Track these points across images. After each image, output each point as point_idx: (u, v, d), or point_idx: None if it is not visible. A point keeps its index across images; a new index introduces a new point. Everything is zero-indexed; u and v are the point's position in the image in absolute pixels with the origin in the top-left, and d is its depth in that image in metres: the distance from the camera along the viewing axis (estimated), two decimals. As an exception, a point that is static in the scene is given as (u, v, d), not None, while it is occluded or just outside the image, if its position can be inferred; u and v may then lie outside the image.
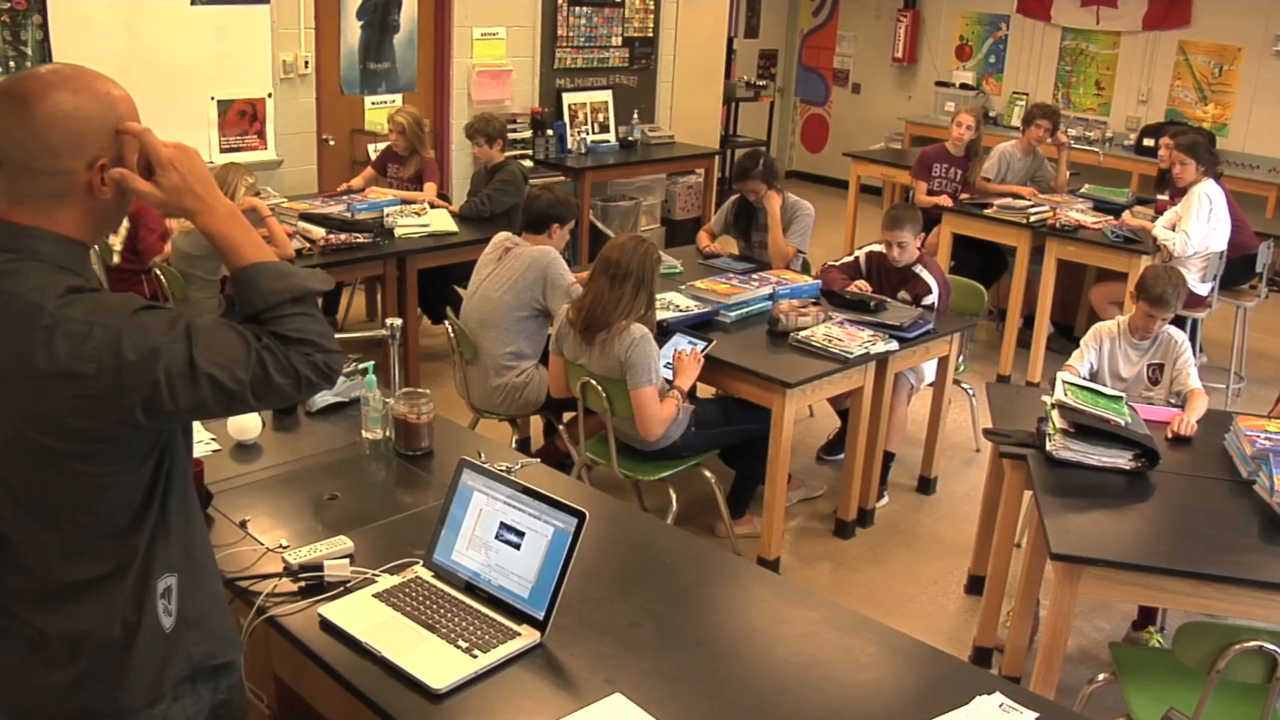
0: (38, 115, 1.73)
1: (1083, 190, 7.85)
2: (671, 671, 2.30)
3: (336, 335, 1.89)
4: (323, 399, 3.50)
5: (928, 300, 5.29)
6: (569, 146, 9.03)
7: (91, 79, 1.80)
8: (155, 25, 6.66)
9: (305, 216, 6.18)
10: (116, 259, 5.85)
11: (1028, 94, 11.17)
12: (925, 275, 5.36)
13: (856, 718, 2.22)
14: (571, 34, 9.13)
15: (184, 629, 1.96)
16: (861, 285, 5.35)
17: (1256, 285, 6.99)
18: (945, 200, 7.55)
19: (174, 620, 1.93)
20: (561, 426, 5.04)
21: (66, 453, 1.77)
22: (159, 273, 5.62)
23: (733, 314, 5.00)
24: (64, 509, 1.82)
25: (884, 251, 5.43)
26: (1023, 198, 7.47)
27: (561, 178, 8.52)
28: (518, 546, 2.43)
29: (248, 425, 3.24)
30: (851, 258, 5.65)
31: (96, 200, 1.81)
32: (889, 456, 5.36)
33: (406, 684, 2.21)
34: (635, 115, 9.61)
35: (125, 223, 5.78)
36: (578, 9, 9.11)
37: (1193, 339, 6.40)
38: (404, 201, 6.65)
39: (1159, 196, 7.37)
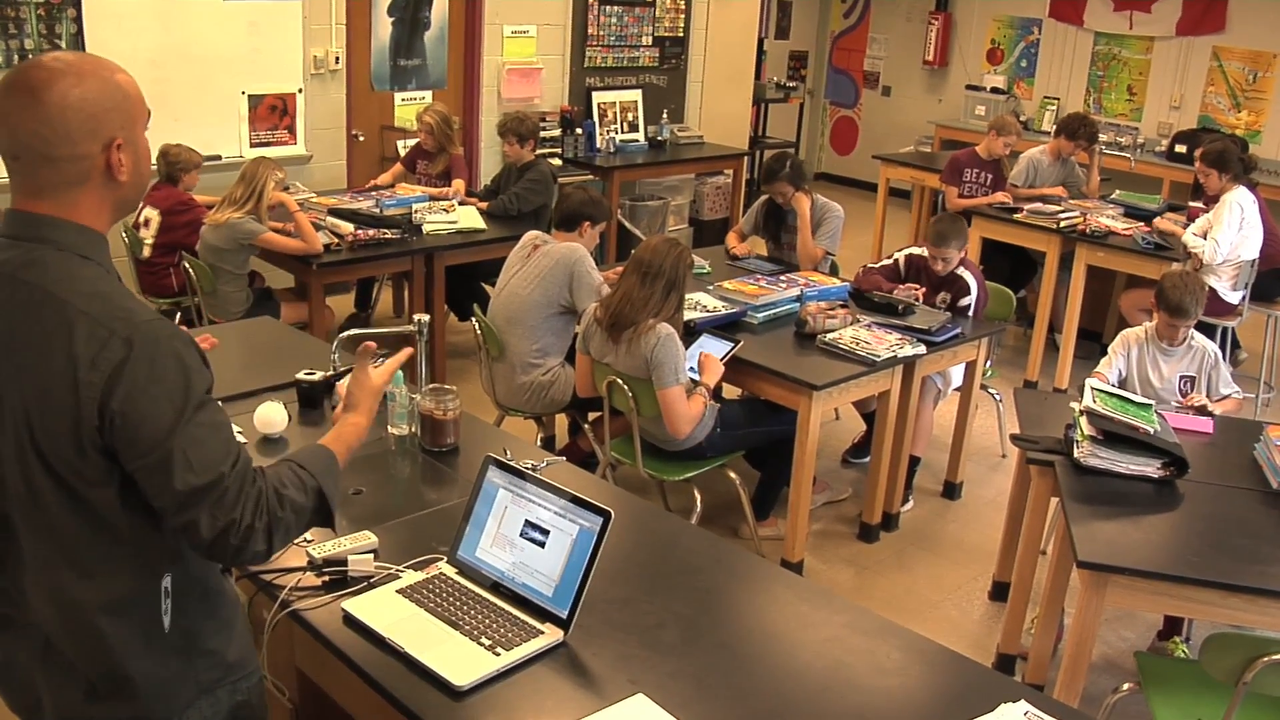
0: (50, 103, 1.73)
1: (1113, 196, 7.79)
2: (695, 673, 2.29)
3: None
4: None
5: (965, 301, 5.27)
6: (598, 145, 9.04)
7: (95, 63, 1.80)
8: (188, 19, 6.70)
9: (334, 212, 6.21)
10: (147, 251, 5.87)
11: (1059, 99, 11.11)
12: (966, 275, 5.34)
13: (880, 723, 2.21)
14: (602, 33, 9.13)
15: (195, 657, 1.96)
16: (912, 289, 5.30)
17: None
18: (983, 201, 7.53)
19: (170, 621, 1.91)
20: (586, 425, 5.04)
21: (63, 462, 1.76)
22: (188, 265, 5.64)
23: (760, 315, 4.98)
24: (62, 520, 1.81)
25: (925, 256, 5.41)
26: (1054, 199, 7.44)
27: (590, 176, 8.52)
28: (542, 545, 2.43)
29: (274, 419, 3.24)
30: (891, 260, 5.62)
31: (115, 183, 1.81)
32: (914, 461, 5.34)
33: (429, 680, 2.20)
34: (664, 115, 9.61)
35: (157, 216, 5.81)
36: (609, 8, 9.11)
37: (1224, 345, 6.35)
38: (432, 198, 6.66)
39: (1192, 203, 7.30)
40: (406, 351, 2.48)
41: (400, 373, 3.37)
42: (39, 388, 1.74)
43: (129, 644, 1.88)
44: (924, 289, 5.33)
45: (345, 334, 3.68)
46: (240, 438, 3.24)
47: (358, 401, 2.27)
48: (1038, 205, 7.31)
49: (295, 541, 2.62)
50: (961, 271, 5.35)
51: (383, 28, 7.80)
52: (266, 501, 1.86)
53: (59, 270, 1.76)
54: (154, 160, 5.44)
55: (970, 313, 5.27)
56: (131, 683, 1.89)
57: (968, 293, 5.29)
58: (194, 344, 1.83)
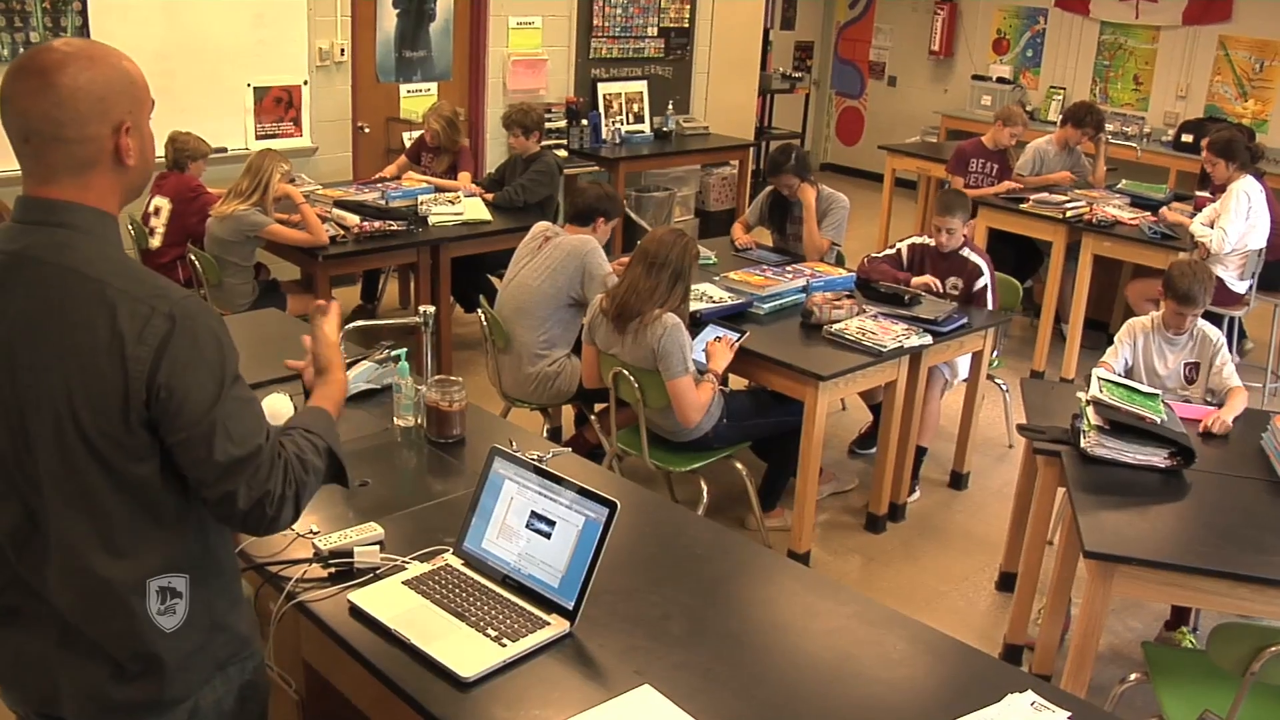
0: (62, 86, 1.75)
1: (1120, 186, 7.77)
2: (701, 664, 2.29)
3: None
4: (355, 385, 3.50)
5: (980, 283, 5.25)
6: (603, 137, 9.02)
7: (104, 49, 1.84)
8: (193, 12, 6.70)
9: (340, 204, 6.21)
10: (157, 241, 5.85)
11: (1065, 88, 11.08)
12: (974, 258, 5.32)
13: (888, 714, 2.20)
14: (607, 24, 9.12)
15: (214, 632, 1.99)
16: (927, 281, 5.28)
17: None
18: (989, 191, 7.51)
19: (179, 621, 1.92)
20: (593, 417, 5.04)
21: (108, 438, 1.78)
22: (194, 258, 5.64)
23: (766, 306, 4.98)
24: (101, 500, 1.82)
25: (927, 242, 5.40)
26: (1061, 188, 7.42)
27: (595, 168, 8.51)
28: (548, 536, 2.43)
29: (280, 410, 3.24)
30: (894, 250, 5.60)
31: (123, 167, 1.84)
32: (921, 451, 5.33)
33: (435, 672, 2.21)
34: (670, 106, 9.58)
35: (168, 204, 5.80)
36: (614, -2, 9.11)
37: (1230, 335, 6.33)
38: (438, 189, 6.65)
39: (1199, 193, 7.29)
40: (334, 305, 2.46)
41: (406, 364, 3.38)
42: (83, 367, 1.76)
43: (158, 622, 1.90)
44: (936, 279, 5.30)
45: (351, 325, 3.68)
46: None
47: (328, 360, 2.32)
48: (1044, 195, 7.28)
49: (301, 534, 2.64)
50: (968, 254, 5.33)
51: (388, 19, 7.79)
52: (293, 470, 1.93)
53: (87, 252, 1.80)
54: (160, 150, 5.45)
55: (988, 295, 5.25)
56: (159, 660, 1.91)
57: (980, 274, 5.28)
58: (224, 321, 1.88)
